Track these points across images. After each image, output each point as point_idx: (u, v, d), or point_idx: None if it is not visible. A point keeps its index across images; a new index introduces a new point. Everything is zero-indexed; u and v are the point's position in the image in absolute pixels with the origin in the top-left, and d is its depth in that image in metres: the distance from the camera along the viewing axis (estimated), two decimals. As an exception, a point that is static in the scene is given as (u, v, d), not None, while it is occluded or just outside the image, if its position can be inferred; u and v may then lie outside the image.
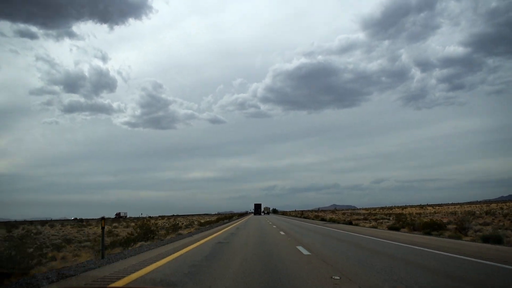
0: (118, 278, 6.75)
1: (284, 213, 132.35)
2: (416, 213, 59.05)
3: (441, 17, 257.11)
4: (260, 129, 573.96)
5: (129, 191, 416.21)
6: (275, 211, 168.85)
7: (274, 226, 28.33)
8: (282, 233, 19.90)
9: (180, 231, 24.58)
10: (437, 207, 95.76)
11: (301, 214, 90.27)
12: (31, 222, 71.75)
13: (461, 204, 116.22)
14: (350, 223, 33.99)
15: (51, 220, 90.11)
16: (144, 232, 16.87)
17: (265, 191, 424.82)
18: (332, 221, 41.46)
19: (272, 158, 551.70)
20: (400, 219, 31.48)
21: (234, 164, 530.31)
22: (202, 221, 47.77)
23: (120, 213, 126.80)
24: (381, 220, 38.51)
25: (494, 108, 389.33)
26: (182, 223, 43.83)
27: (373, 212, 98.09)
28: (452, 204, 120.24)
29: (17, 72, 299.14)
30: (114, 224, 51.34)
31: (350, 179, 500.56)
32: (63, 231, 39.76)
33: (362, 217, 53.40)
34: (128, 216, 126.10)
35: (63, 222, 79.21)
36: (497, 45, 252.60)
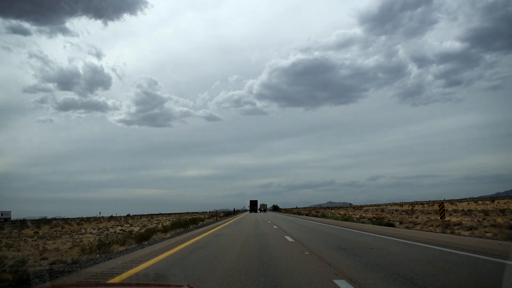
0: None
1: (287, 211, 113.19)
2: (452, 210, 51.52)
3: (439, 12, 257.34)
4: (256, 126, 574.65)
5: (125, 189, 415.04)
6: (276, 208, 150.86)
7: (290, 239, 14.17)
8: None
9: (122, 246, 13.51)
10: (449, 204, 78.98)
11: (309, 212, 77.80)
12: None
13: (460, 201, 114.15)
14: (390, 225, 22.92)
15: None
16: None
17: (262, 188, 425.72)
18: (367, 222, 28.77)
19: (268, 156, 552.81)
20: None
21: (230, 162, 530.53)
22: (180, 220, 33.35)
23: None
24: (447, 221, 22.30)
25: (491, 104, 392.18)
26: (139, 229, 30.55)
27: (402, 208, 77.10)
28: (449, 200, 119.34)
29: (10, 70, 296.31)
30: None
31: (346, 176, 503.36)
32: None
33: (398, 215, 44.12)
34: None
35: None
36: (494, 40, 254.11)
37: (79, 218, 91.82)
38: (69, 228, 41.14)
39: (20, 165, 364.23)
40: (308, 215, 58.38)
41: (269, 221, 33.58)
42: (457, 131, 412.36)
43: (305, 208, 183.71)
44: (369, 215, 49.12)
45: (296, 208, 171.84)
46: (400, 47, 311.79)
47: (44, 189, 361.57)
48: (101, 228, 38.19)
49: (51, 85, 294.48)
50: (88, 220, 72.50)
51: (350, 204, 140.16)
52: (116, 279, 6.16)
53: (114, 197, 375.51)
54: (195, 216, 50.03)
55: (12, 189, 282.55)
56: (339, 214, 56.51)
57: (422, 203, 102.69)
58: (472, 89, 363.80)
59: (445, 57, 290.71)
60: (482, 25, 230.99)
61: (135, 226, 40.29)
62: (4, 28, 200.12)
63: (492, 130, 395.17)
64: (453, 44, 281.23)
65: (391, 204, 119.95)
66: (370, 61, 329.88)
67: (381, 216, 41.25)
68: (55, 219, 74.97)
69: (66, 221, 63.32)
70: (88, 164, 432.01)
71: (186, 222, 28.66)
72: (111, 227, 40.72)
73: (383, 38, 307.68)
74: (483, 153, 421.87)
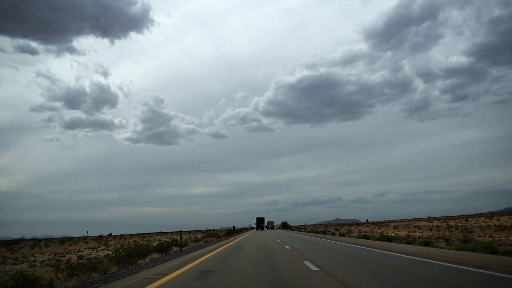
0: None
1: (299, 229, 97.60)
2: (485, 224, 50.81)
3: (444, 27, 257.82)
4: (262, 143, 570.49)
5: (132, 207, 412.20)
6: (285, 226, 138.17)
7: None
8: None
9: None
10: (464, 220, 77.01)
11: (326, 230, 63.83)
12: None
13: (473, 216, 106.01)
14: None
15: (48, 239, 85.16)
16: None
17: (268, 205, 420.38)
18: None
19: (275, 172, 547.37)
20: None
21: (237, 179, 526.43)
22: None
23: None
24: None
25: (498, 118, 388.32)
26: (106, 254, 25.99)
27: (431, 223, 70.15)
28: (460, 216, 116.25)
29: (17, 89, 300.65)
30: None
31: (353, 193, 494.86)
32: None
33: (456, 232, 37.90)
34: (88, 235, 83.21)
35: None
36: (500, 54, 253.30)
37: (66, 237, 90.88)
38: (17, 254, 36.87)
39: (27, 184, 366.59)
40: (325, 233, 48.59)
41: (287, 247, 19.87)
42: (464, 145, 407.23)
43: (314, 225, 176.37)
44: (403, 233, 41.74)
45: (306, 225, 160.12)
46: (405, 62, 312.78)
47: (51, 208, 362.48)
48: (64, 252, 34.84)
49: (58, 104, 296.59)
50: (70, 240, 70.44)
51: (367, 220, 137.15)
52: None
53: (121, 215, 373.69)
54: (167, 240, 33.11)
55: (19, 209, 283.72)
56: (366, 232, 49.52)
57: (442, 219, 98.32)
58: (479, 104, 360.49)
59: (451, 72, 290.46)
60: (488, 40, 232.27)
61: (108, 250, 35.09)
62: (12, 47, 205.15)
63: (500, 145, 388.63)
64: (459, 59, 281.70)
65: (416, 220, 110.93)
66: (376, 77, 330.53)
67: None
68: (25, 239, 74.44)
69: (39, 241, 61.39)
70: (95, 182, 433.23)
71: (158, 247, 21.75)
72: (78, 251, 37.97)
73: (388, 53, 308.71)
74: (491, 167, 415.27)
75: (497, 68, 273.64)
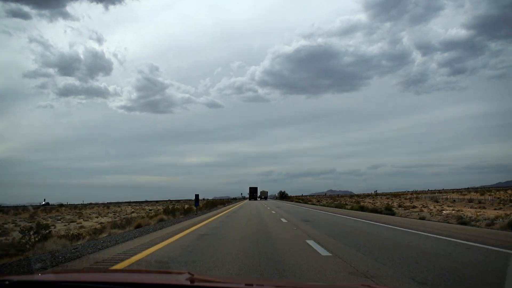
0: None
1: (302, 200, 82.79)
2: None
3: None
4: (258, 114, 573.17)
5: (126, 175, 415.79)
6: (283, 196, 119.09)
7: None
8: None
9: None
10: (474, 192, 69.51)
11: (333, 201, 56.24)
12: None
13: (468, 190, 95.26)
14: None
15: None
16: None
17: (262, 176, 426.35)
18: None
19: (270, 143, 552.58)
20: None
21: (232, 149, 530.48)
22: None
23: None
24: None
25: (495, 93, 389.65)
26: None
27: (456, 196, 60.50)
28: (452, 190, 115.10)
29: (10, 55, 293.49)
30: None
31: (347, 165, 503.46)
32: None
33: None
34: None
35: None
36: (500, 28, 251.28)
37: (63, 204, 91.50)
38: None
39: (21, 151, 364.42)
40: (329, 206, 40.87)
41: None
42: (460, 120, 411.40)
43: (311, 195, 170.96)
44: (456, 208, 32.50)
45: (303, 195, 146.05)
46: (404, 34, 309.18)
47: (45, 175, 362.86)
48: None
49: (51, 70, 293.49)
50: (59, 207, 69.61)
51: (375, 191, 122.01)
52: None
53: (115, 183, 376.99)
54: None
55: (13, 175, 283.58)
56: (371, 203, 44.19)
57: (444, 191, 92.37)
58: (476, 78, 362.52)
59: (450, 45, 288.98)
60: (489, 12, 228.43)
61: (89, 220, 32.78)
62: (4, 11, 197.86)
63: (495, 120, 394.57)
64: (458, 32, 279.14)
65: (439, 191, 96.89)
66: (374, 48, 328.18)
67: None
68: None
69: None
70: (89, 150, 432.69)
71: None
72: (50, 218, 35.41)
73: (387, 24, 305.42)
74: (485, 142, 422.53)
75: (496, 42, 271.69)
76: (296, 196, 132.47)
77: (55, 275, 2.47)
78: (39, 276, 2.36)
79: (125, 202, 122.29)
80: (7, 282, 1.84)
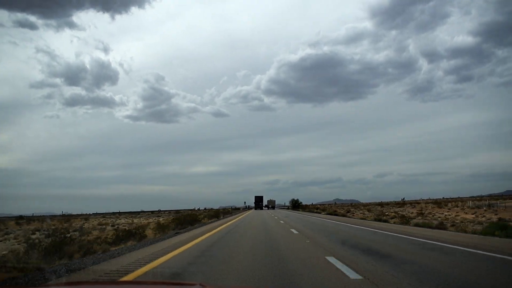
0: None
1: (318, 209, 71.20)
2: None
3: (451, 5, 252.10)
4: (264, 123, 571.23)
5: (132, 185, 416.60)
6: (296, 205, 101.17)
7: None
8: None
9: None
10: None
11: (347, 212, 49.76)
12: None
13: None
14: None
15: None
16: None
17: (268, 185, 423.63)
18: None
19: (275, 152, 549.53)
20: None
21: (237, 158, 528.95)
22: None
23: None
24: None
25: (501, 100, 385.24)
26: None
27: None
28: (459, 198, 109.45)
29: (16, 65, 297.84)
30: None
31: (353, 173, 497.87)
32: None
33: None
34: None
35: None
36: (507, 34, 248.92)
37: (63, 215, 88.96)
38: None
39: (27, 162, 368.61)
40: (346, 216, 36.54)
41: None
42: (466, 128, 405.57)
43: (321, 204, 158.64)
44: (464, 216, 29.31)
45: (312, 205, 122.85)
46: (410, 41, 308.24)
47: (51, 185, 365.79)
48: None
49: (58, 80, 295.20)
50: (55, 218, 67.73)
51: (403, 199, 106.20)
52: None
53: (121, 193, 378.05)
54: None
55: (20, 186, 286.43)
56: (400, 213, 36.53)
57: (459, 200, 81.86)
58: (483, 86, 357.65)
59: (456, 52, 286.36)
60: (495, 19, 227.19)
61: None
62: (11, 22, 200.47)
63: (502, 127, 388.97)
64: (464, 39, 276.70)
65: (453, 200, 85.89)
66: (380, 56, 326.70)
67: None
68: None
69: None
70: (95, 160, 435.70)
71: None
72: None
73: (393, 32, 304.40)
74: (492, 150, 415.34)
75: (503, 49, 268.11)
76: (316, 205, 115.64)
77: (67, 287, 2.65)
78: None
79: (117, 213, 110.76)
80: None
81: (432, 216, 32.36)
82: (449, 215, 32.85)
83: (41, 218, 61.26)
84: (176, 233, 17.54)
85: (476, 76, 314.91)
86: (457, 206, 52.02)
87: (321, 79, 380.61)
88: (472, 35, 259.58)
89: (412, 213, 39.48)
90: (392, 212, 38.39)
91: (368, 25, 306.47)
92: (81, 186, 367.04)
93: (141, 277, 6.44)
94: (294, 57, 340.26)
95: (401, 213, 36.67)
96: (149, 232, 17.76)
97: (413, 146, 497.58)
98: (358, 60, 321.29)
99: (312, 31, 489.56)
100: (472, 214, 32.66)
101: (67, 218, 65.84)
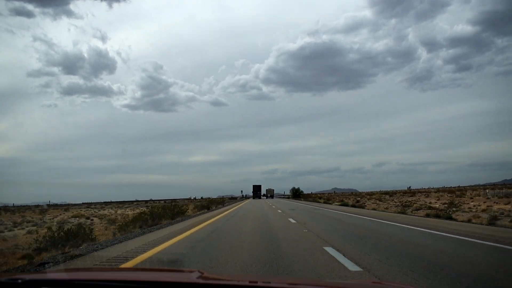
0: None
1: (322, 199, 61.49)
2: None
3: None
4: (262, 112, 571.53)
5: (130, 174, 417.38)
6: (296, 194, 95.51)
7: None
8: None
9: None
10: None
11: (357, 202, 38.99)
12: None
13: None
14: None
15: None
16: None
17: (267, 174, 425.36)
18: None
19: (274, 141, 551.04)
20: None
21: (236, 147, 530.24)
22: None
23: None
24: None
25: (500, 90, 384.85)
26: None
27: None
28: (458, 187, 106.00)
29: (14, 53, 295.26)
30: None
31: (352, 163, 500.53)
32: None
33: None
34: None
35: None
36: (506, 23, 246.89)
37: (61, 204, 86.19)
38: None
39: (25, 151, 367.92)
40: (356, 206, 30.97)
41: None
42: (465, 117, 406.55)
43: (317, 193, 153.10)
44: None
45: (312, 194, 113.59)
46: (410, 30, 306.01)
47: (49, 174, 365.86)
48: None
49: (55, 69, 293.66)
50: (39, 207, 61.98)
51: (409, 187, 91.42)
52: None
53: (120, 182, 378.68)
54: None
55: (18, 175, 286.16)
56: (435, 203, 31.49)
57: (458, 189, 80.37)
58: (482, 75, 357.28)
59: (455, 41, 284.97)
60: (495, 8, 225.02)
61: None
62: (8, 10, 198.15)
63: (501, 117, 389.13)
64: (464, 28, 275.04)
65: (458, 188, 75.12)
66: (379, 45, 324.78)
67: None
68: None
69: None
70: (94, 149, 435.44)
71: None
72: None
73: (393, 21, 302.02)
74: (490, 140, 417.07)
75: (503, 38, 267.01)
76: (316, 194, 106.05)
77: (67, 274, 2.49)
78: (51, 275, 2.37)
79: (108, 202, 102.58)
80: (19, 281, 1.85)
81: (461, 207, 26.34)
82: (479, 205, 28.25)
83: (17, 209, 58.68)
84: (141, 232, 11.67)
85: (475, 65, 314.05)
86: (479, 195, 44.54)
87: (320, 68, 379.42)
88: (472, 24, 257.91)
89: (435, 203, 34.11)
90: (414, 203, 33.23)
91: (367, 13, 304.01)
92: (79, 175, 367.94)
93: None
94: (293, 46, 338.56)
95: (428, 204, 31.33)
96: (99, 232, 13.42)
97: (412, 135, 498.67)
98: (357, 49, 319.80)
99: (311, 20, 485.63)
100: (506, 204, 27.86)
101: (45, 209, 61.48)
